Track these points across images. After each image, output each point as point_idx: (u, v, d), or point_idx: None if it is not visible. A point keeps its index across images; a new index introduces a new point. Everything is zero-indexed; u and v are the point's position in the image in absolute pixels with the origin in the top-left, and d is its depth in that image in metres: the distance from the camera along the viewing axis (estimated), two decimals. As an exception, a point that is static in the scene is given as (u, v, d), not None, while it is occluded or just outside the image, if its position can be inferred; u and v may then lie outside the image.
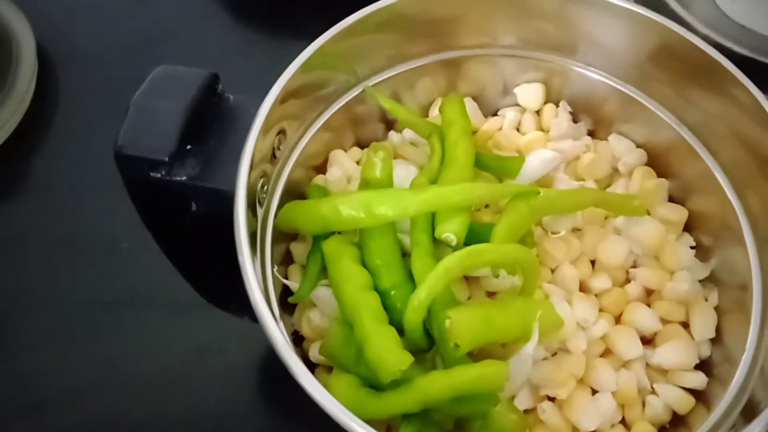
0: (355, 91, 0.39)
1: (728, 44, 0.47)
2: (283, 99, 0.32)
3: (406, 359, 0.29)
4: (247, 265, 0.28)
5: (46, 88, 0.55)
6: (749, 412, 0.31)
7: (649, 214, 0.37)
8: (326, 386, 0.31)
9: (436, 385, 0.29)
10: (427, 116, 0.41)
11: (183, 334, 0.46)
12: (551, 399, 0.33)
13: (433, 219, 0.33)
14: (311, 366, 0.35)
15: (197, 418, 0.43)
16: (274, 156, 0.33)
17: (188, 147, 0.31)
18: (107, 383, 0.44)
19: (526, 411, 0.33)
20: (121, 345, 0.45)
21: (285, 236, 0.36)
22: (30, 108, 0.53)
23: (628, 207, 0.36)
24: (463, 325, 0.30)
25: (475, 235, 0.33)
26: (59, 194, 0.51)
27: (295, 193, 0.36)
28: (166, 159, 0.29)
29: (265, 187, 0.33)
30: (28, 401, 0.43)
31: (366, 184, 0.34)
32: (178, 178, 0.30)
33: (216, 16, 0.59)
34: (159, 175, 0.30)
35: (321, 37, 0.33)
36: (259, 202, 0.32)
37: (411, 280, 0.33)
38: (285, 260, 0.37)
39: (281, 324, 0.32)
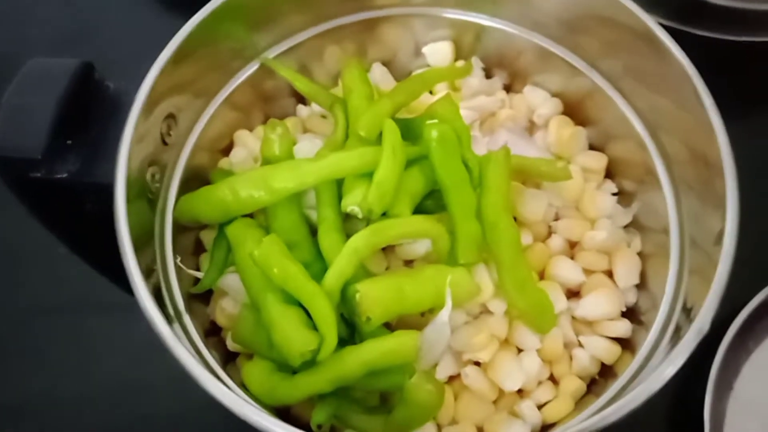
0: (257, 65, 0.37)
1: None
2: (165, 82, 0.30)
3: (313, 339, 0.28)
4: (130, 262, 0.27)
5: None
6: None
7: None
8: (243, 374, 0.30)
9: (347, 361, 0.28)
10: (337, 86, 0.40)
11: (129, 334, 0.44)
12: (476, 363, 0.33)
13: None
14: (232, 355, 0.34)
15: (154, 418, 0.43)
16: (164, 143, 0.32)
17: (68, 142, 0.29)
18: (55, 395, 0.43)
19: (451, 378, 0.33)
20: (66, 353, 0.44)
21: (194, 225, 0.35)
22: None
23: (551, 172, 0.35)
24: (373, 297, 0.29)
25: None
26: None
27: (200, 179, 0.35)
28: (40, 156, 0.28)
29: (156, 176, 0.31)
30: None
31: (267, 163, 0.33)
32: (59, 176, 0.29)
33: (143, 6, 0.56)
34: (39, 174, 0.29)
35: (200, 11, 0.32)
36: (152, 192, 0.31)
37: (321, 258, 0.32)
38: (196, 249, 0.35)
39: (187, 318, 0.31)
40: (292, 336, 0.28)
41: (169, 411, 0.42)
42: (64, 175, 0.29)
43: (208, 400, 0.42)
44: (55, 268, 0.47)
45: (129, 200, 0.28)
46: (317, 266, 0.31)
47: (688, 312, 0.30)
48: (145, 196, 0.30)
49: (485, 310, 0.33)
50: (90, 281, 0.44)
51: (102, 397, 0.43)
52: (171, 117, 0.32)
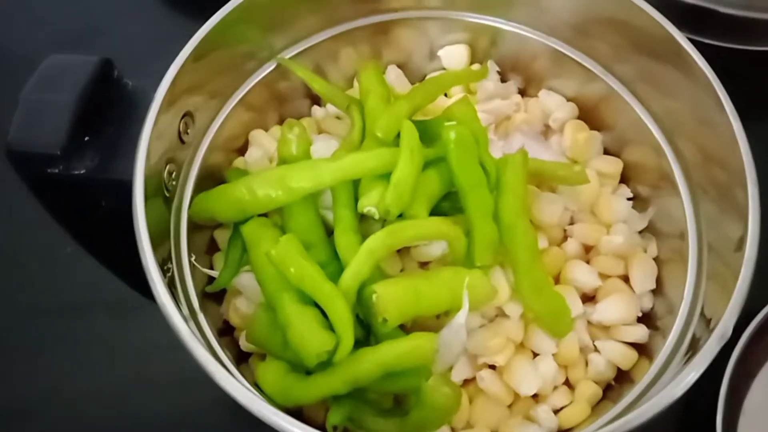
0: (271, 66, 0.37)
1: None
2: (183, 81, 0.30)
3: (329, 340, 0.28)
4: (148, 257, 0.26)
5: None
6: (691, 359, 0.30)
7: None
8: (256, 375, 0.30)
9: (363, 363, 0.28)
10: (352, 88, 0.40)
11: (135, 334, 0.44)
12: (492, 367, 0.32)
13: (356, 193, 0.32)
14: (244, 356, 0.34)
15: (159, 419, 0.42)
16: (182, 141, 0.32)
17: (86, 138, 0.29)
18: (59, 396, 0.42)
19: (466, 381, 0.32)
20: (71, 354, 0.43)
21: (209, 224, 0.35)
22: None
23: (568, 176, 0.35)
24: (390, 299, 0.29)
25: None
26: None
27: (215, 179, 0.35)
28: (59, 152, 0.28)
29: (173, 174, 0.31)
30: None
31: (283, 163, 0.33)
32: (77, 172, 0.29)
33: (148, 8, 0.57)
34: (56, 170, 0.29)
35: (218, 12, 0.32)
36: (168, 190, 0.31)
37: (337, 258, 0.31)
38: (210, 248, 0.35)
39: (201, 316, 0.30)
40: (309, 336, 0.28)
41: (174, 412, 0.42)
42: (82, 172, 0.29)
43: (213, 401, 0.42)
44: (60, 268, 0.47)
45: (146, 197, 0.28)
46: (333, 267, 0.31)
47: (706, 318, 0.30)
48: (162, 194, 0.30)
49: (501, 314, 0.33)
50: (95, 281, 0.43)
51: (106, 398, 0.42)
52: (188, 115, 0.32)
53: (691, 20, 0.43)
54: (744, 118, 0.30)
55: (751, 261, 0.27)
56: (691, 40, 0.32)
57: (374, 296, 0.29)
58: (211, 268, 0.34)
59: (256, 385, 0.30)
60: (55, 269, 0.46)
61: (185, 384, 0.42)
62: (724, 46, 0.45)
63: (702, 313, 0.31)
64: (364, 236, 0.31)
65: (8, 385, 0.42)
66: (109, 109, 0.30)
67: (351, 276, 0.29)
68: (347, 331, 0.28)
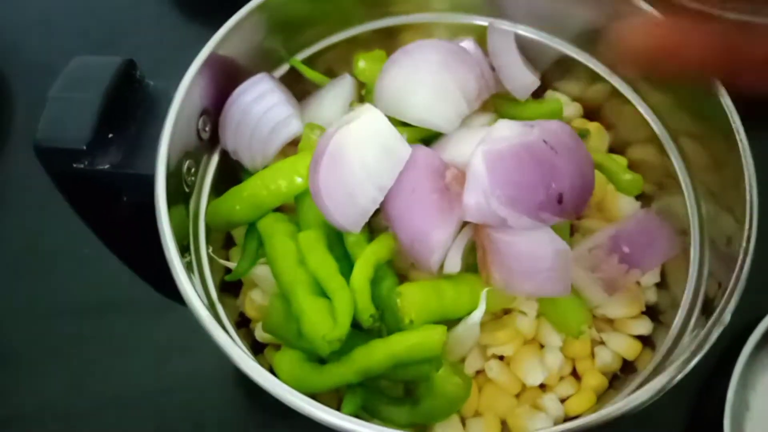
0: (285, 68, 0.38)
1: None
2: (201, 81, 0.32)
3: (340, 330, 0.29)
4: (169, 244, 0.27)
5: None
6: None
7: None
8: (272, 364, 0.31)
9: (376, 353, 0.29)
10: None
11: (155, 334, 0.45)
12: (501, 358, 0.33)
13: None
14: (259, 348, 0.35)
15: (179, 418, 0.43)
16: (200, 138, 0.33)
17: (110, 135, 0.31)
18: (79, 396, 0.43)
19: (477, 373, 0.33)
20: (92, 353, 0.44)
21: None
22: (-16, 123, 0.52)
23: (619, 179, 0.35)
24: (414, 300, 0.30)
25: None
26: (16, 206, 0.50)
27: (232, 175, 0.36)
28: (85, 147, 0.29)
29: (192, 169, 0.32)
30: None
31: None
32: (101, 167, 0.30)
33: (166, 17, 0.58)
34: (82, 166, 0.30)
35: (232, 18, 0.33)
36: (187, 185, 0.32)
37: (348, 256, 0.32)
38: (227, 243, 0.36)
39: (219, 307, 0.32)
40: (320, 327, 0.29)
41: (194, 410, 0.43)
42: (106, 167, 0.30)
43: (233, 399, 0.43)
44: (80, 269, 0.48)
45: (167, 191, 0.29)
46: (346, 262, 0.32)
47: (708, 311, 0.31)
48: (181, 189, 0.31)
49: (515, 308, 0.33)
50: (115, 282, 0.45)
51: (126, 397, 0.43)
52: (206, 113, 0.33)
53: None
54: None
55: (749, 257, 0.28)
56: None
57: (398, 300, 0.30)
58: (227, 260, 0.35)
59: (272, 373, 0.31)
60: (74, 271, 0.48)
61: (206, 382, 0.43)
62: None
63: (704, 307, 0.32)
64: (372, 231, 0.32)
65: (29, 385, 0.43)
66: (131, 108, 0.31)
67: (358, 272, 0.30)
68: (344, 320, 0.29)
